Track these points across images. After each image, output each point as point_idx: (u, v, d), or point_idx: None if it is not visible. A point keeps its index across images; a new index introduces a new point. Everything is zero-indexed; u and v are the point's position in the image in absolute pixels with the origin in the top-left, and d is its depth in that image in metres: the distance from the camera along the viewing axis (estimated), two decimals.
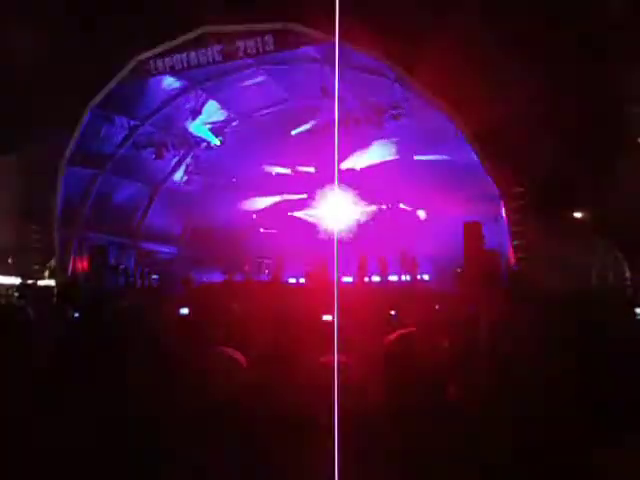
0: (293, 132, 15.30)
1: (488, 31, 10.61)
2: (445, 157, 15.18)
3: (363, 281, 15.17)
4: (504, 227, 12.55)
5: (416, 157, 16.06)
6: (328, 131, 15.16)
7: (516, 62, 10.54)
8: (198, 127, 15.78)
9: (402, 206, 17.98)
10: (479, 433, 1.93)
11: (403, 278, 15.50)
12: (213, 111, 16.45)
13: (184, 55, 13.02)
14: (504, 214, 12.39)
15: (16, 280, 16.03)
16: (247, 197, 19.45)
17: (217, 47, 12.93)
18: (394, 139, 15.89)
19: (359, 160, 16.55)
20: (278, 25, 12.46)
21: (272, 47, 12.62)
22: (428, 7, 10.90)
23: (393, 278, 15.72)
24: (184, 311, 6.06)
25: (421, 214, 17.25)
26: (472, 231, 13.07)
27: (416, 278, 14.83)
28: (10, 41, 11.60)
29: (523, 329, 3.70)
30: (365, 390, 1.94)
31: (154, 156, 15.93)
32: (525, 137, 10.97)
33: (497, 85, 10.76)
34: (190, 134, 16.20)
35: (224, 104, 16.41)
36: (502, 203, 12.40)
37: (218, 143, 16.27)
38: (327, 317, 4.89)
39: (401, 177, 17.36)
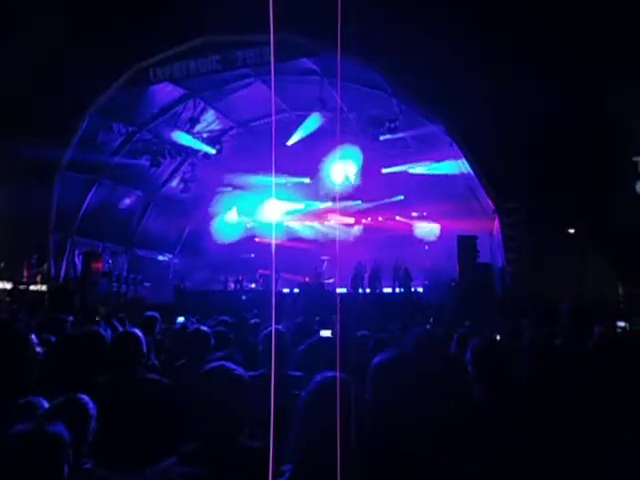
0: (288, 143, 15.39)
1: (487, 46, 10.73)
2: (441, 171, 15.31)
3: (357, 292, 15.17)
4: (498, 241, 12.63)
5: (411, 171, 16.17)
6: (325, 142, 15.31)
7: (513, 77, 10.66)
8: (187, 139, 15.85)
9: (398, 219, 18.08)
10: None
11: (397, 290, 15.52)
12: (211, 120, 16.52)
13: (184, 64, 13.08)
14: (499, 228, 12.47)
15: (7, 285, 15.88)
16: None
17: (216, 56, 13.01)
18: (390, 152, 16.03)
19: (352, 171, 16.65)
20: (278, 36, 12.54)
21: (271, 58, 12.70)
22: (425, 21, 11.01)
23: (387, 290, 15.75)
24: (180, 319, 6.04)
25: (425, 234, 17.20)
26: (466, 244, 13.14)
27: (410, 290, 14.85)
28: (9, 44, 11.59)
29: None
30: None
31: (150, 163, 15.92)
32: (521, 154, 11.07)
33: (494, 101, 10.87)
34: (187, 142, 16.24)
35: (222, 113, 16.48)
36: (497, 218, 12.48)
37: (214, 152, 16.29)
38: (325, 333, 4.88)
39: (397, 190, 17.50)
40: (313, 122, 14.73)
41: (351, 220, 18.83)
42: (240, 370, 1.81)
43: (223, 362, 1.86)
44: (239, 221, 19.62)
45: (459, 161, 13.63)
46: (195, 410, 1.76)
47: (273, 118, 16.78)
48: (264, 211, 19.28)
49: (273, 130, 16.27)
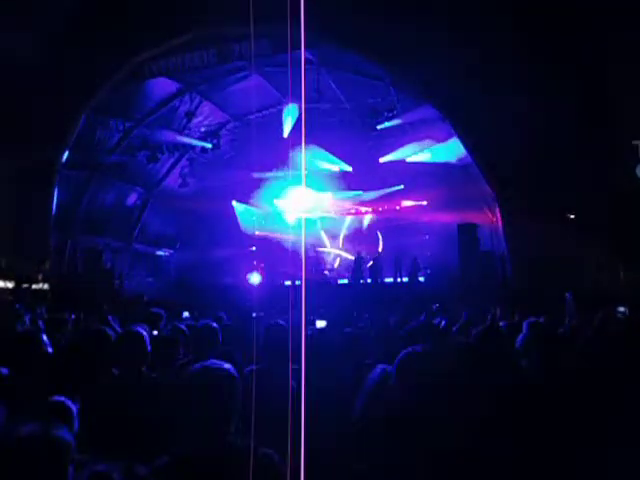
0: (285, 134, 15.37)
1: (485, 30, 10.64)
2: (438, 158, 15.22)
3: (358, 283, 15.20)
4: (499, 229, 12.60)
5: (408, 160, 16.10)
6: (322, 132, 15.23)
7: (513, 64, 10.59)
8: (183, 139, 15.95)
9: (398, 208, 18.06)
10: None
11: (399, 280, 15.53)
12: (208, 113, 16.45)
13: (179, 57, 12.99)
14: (499, 217, 12.44)
15: (9, 284, 15.89)
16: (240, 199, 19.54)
17: (212, 49, 12.91)
18: (387, 140, 15.96)
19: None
20: (273, 28, 12.43)
21: (267, 50, 12.61)
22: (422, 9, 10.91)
23: (388, 280, 15.76)
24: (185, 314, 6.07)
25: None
26: (467, 233, 13.13)
27: (414, 280, 14.87)
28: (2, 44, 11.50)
29: None
30: None
31: (147, 159, 15.88)
32: (521, 140, 11.01)
33: (494, 88, 10.80)
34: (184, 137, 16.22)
35: (219, 106, 16.40)
36: (497, 206, 12.45)
37: (210, 146, 16.27)
38: (320, 323, 4.90)
39: (397, 180, 17.46)
40: (292, 113, 14.77)
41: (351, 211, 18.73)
42: (229, 367, 1.82)
43: (212, 360, 1.87)
44: (246, 211, 19.60)
45: (452, 139, 13.47)
46: (186, 410, 1.78)
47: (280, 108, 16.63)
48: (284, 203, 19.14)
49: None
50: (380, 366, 2.21)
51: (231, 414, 1.78)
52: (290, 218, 19.57)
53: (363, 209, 18.72)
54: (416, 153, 15.70)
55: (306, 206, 19.04)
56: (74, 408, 1.86)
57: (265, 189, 18.83)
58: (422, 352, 1.95)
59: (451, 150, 14.35)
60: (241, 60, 13.25)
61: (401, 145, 15.97)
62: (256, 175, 18.40)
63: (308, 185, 18.26)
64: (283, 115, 14.93)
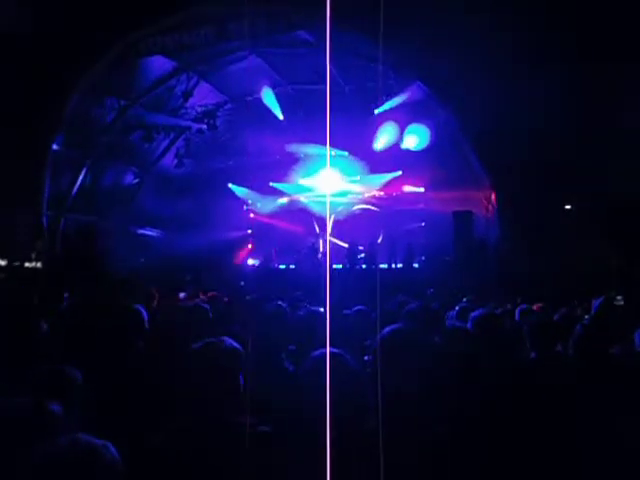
0: (281, 117, 15.25)
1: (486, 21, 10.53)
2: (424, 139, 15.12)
3: (354, 268, 15.21)
4: (494, 218, 12.64)
5: (402, 146, 15.98)
6: (322, 116, 15.08)
7: (514, 51, 10.51)
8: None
9: (395, 195, 18.00)
10: None
11: (393, 266, 15.54)
12: (205, 94, 16.25)
13: (176, 36, 12.77)
14: (495, 204, 12.46)
15: (1, 262, 15.79)
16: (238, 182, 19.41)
17: (209, 28, 12.71)
18: (387, 125, 15.82)
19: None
20: (272, 7, 12.24)
21: (265, 30, 12.43)
22: None
23: (383, 266, 15.76)
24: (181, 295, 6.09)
25: None
26: (462, 220, 13.15)
27: (409, 266, 14.88)
28: None
29: None
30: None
31: (142, 139, 15.72)
32: (518, 128, 10.98)
33: (493, 74, 10.73)
34: (180, 117, 16.07)
35: (216, 87, 16.20)
36: (493, 194, 12.47)
37: (206, 127, 16.12)
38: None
39: (393, 166, 17.37)
40: (269, 97, 14.75)
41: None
42: (234, 345, 1.82)
43: (221, 337, 1.86)
44: (242, 194, 19.48)
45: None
46: (188, 386, 1.77)
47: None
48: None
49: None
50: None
51: (232, 391, 1.77)
52: (284, 201, 19.50)
53: (360, 194, 18.65)
54: (405, 136, 15.54)
55: (307, 186, 18.94)
56: (79, 378, 1.84)
57: (263, 171, 18.69)
58: (408, 331, 1.65)
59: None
60: (239, 40, 13.05)
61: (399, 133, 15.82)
62: (254, 158, 18.26)
63: (308, 169, 18.19)
64: (265, 100, 14.91)
